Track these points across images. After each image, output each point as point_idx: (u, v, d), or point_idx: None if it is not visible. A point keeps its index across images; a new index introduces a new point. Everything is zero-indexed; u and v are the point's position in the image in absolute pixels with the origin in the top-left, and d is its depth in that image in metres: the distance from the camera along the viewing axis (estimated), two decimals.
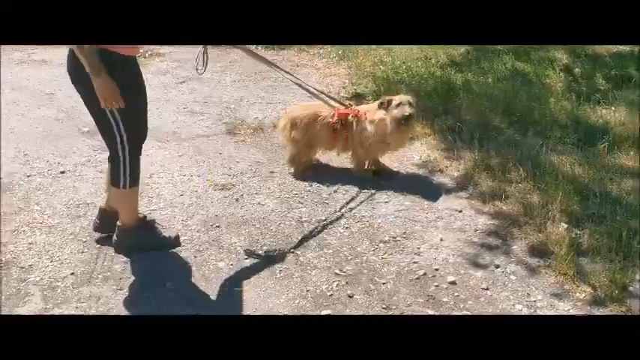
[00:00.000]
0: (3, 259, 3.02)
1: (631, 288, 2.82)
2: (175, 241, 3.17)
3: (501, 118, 4.69)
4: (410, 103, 3.78)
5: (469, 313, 2.70)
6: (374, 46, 6.75)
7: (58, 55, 6.90)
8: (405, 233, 3.33)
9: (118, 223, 3.05)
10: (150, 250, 3.09)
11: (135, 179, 2.93)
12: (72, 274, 2.93)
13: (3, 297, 2.74)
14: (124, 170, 2.86)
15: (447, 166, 4.12)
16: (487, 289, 2.88)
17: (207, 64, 3.31)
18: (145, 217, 3.15)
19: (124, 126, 2.77)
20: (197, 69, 3.30)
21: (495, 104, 4.87)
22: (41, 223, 3.37)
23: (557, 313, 2.69)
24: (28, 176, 3.92)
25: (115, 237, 3.08)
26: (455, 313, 2.71)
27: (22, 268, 2.96)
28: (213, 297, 2.80)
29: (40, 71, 6.38)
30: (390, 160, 4.24)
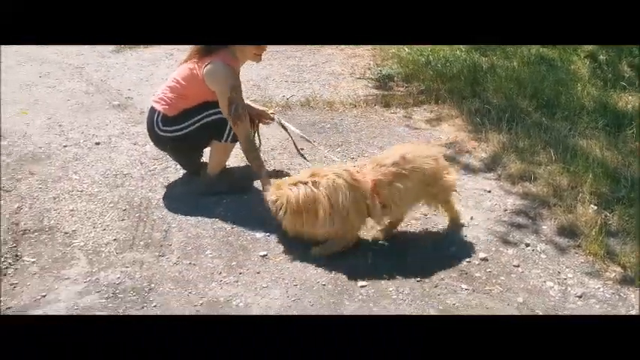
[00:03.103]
0: (47, 223, 3.12)
1: None
2: (247, 184, 3.61)
3: (529, 101, 4.72)
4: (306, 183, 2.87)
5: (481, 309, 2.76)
6: None
7: None
8: (435, 210, 3.39)
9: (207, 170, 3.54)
10: (227, 191, 3.49)
11: (234, 137, 3.36)
12: (114, 240, 3.02)
13: (50, 260, 2.84)
14: (230, 129, 3.33)
15: (474, 148, 4.17)
16: (518, 266, 2.95)
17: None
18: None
19: None
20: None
21: (522, 88, 4.90)
22: (81, 191, 3.46)
23: (559, 314, 2.73)
24: (64, 146, 4.00)
25: (201, 180, 3.55)
26: (487, 287, 2.78)
27: (66, 233, 3.06)
28: (253, 266, 2.88)
29: (66, 45, 6.44)
30: (418, 138, 4.31)
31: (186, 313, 2.53)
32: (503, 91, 4.87)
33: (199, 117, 3.31)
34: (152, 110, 3.36)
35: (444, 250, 3.06)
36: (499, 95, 4.84)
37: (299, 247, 3.02)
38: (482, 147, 4.17)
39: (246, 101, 3.57)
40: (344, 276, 2.82)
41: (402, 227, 3.22)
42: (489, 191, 3.62)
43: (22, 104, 4.76)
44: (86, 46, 6.40)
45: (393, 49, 6.28)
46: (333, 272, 2.85)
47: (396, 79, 5.65)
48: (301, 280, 2.79)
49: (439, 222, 3.28)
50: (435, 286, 2.78)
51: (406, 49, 6.14)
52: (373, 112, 4.92)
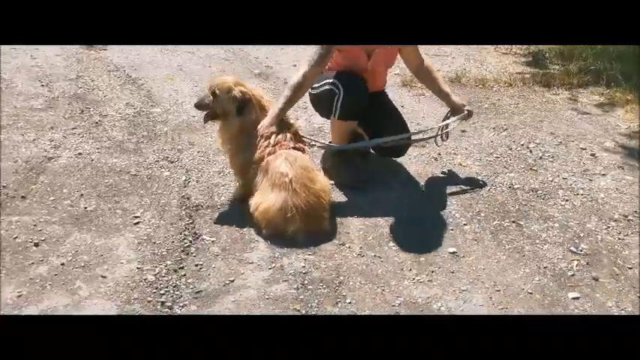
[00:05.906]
0: (217, 200, 2.97)
1: None
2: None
3: None
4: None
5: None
6: None
7: None
8: (636, 212, 3.00)
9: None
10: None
11: (344, 115, 3.08)
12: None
13: (229, 240, 2.69)
14: (337, 104, 3.05)
15: None
16: None
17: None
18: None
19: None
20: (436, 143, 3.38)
21: None
22: None
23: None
24: None
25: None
26: None
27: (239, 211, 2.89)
28: (444, 264, 2.61)
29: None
30: (594, 129, 3.87)
31: (385, 312, 2.31)
32: None
33: (323, 82, 3.10)
34: None
35: None
36: None
37: (489, 247, 2.74)
38: None
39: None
40: (551, 284, 2.51)
41: (600, 229, 2.86)
42: None
43: (165, 69, 4.67)
44: None
45: None
46: (537, 277, 2.54)
47: (548, 54, 5.19)
48: (503, 284, 2.49)
49: None
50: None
51: None
52: (532, 93, 4.52)
